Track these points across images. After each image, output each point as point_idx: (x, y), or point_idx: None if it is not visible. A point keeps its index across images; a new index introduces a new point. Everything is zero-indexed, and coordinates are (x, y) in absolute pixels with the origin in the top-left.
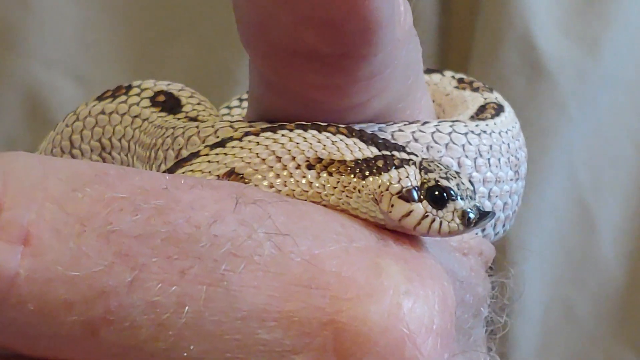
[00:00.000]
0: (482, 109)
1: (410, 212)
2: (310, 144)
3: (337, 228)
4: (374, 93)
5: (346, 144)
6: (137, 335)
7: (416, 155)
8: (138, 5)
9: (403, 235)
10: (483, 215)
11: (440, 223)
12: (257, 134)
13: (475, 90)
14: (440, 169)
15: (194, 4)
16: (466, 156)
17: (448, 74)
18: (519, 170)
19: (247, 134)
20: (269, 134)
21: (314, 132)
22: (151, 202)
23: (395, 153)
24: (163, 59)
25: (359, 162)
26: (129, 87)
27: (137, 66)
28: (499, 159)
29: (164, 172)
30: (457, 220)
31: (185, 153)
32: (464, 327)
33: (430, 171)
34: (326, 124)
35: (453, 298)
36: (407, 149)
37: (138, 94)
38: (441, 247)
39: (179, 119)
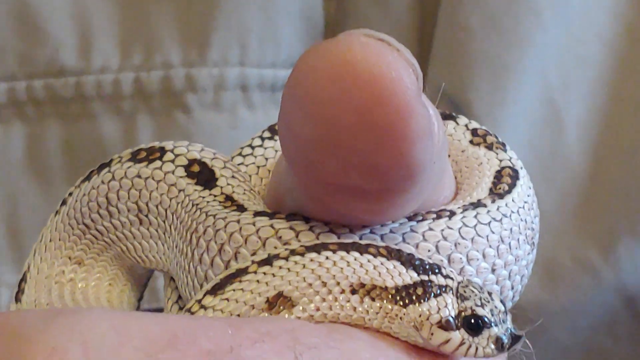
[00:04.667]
0: (498, 176)
1: (449, 340)
2: (354, 269)
3: None
4: (409, 208)
5: (387, 269)
6: None
7: (452, 279)
8: None
9: (441, 356)
10: (515, 338)
11: (477, 349)
12: (302, 254)
13: (489, 147)
14: (475, 294)
15: None
16: (490, 246)
17: (462, 122)
18: (534, 241)
19: (292, 252)
20: (313, 255)
21: (356, 254)
22: None
23: (433, 278)
24: None
25: (400, 289)
26: (163, 151)
27: None
28: (518, 239)
29: (215, 286)
30: (492, 346)
31: (228, 250)
32: None
33: (466, 298)
34: (367, 243)
35: None
36: (443, 271)
37: (172, 161)
38: None
39: (215, 196)
